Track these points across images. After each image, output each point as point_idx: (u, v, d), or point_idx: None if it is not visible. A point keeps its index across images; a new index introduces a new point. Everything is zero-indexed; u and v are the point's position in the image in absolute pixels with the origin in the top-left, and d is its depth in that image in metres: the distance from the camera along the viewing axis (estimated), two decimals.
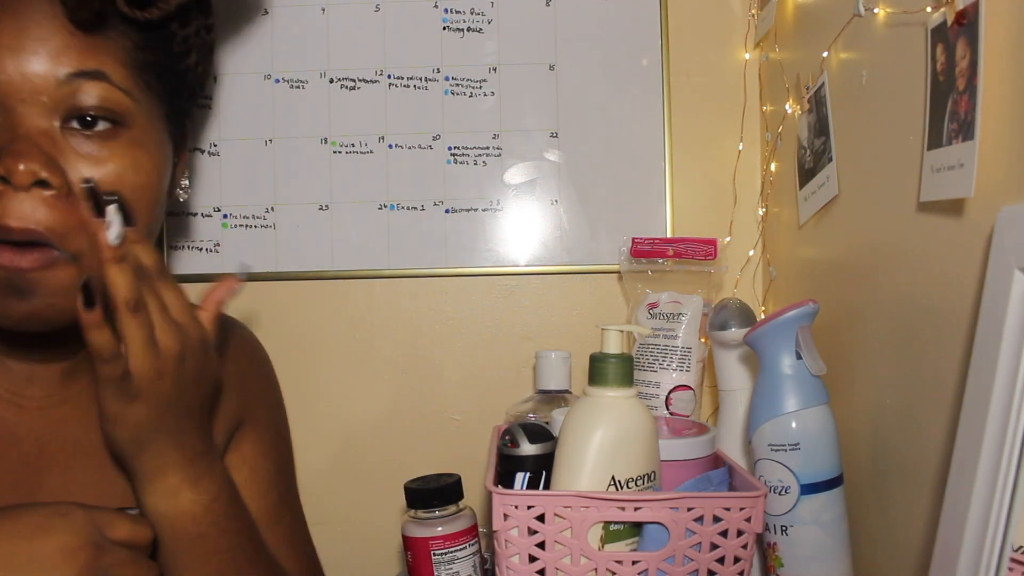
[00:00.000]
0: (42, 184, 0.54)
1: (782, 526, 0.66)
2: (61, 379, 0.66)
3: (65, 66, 0.56)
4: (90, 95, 0.57)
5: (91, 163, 0.57)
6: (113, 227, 0.52)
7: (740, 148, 1.03)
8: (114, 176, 0.58)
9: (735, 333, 0.81)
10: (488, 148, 1.04)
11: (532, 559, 0.60)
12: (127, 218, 0.54)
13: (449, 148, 1.04)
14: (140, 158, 0.60)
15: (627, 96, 1.03)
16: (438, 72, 1.04)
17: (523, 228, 1.04)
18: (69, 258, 0.56)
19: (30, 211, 0.54)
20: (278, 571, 0.70)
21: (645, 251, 0.97)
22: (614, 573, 0.60)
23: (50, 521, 0.52)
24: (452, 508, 0.74)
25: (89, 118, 0.57)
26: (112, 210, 0.52)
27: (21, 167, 0.53)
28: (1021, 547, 0.41)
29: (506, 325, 1.05)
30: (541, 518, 0.59)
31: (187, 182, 0.72)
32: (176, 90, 0.65)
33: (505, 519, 0.60)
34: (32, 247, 0.55)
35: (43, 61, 0.56)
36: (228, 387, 0.74)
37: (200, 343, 0.58)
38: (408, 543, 0.73)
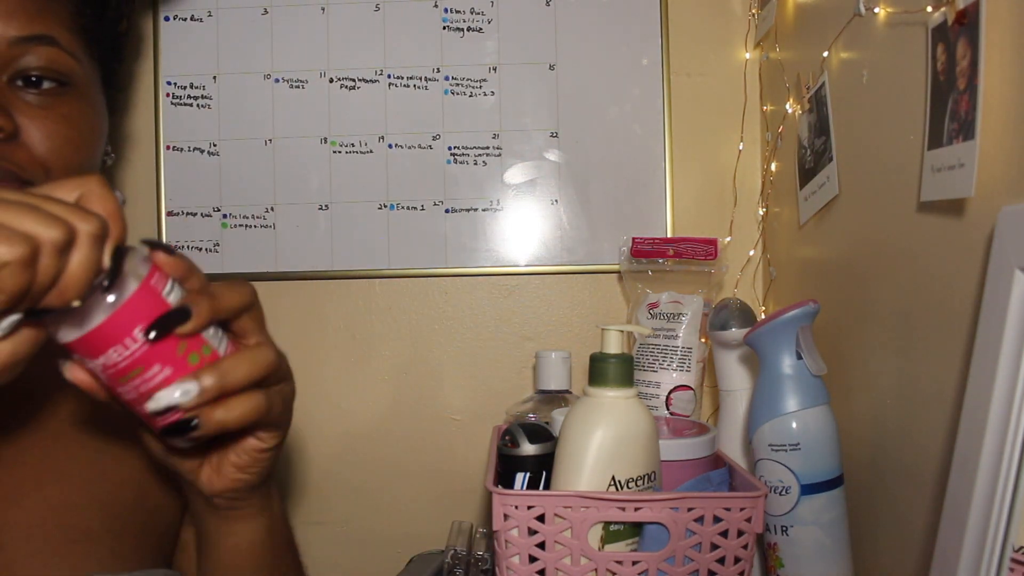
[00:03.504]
0: None
1: (782, 526, 0.66)
2: None
3: (15, 30, 0.59)
4: (38, 57, 0.60)
5: (35, 117, 0.60)
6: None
7: (740, 148, 1.03)
8: (54, 130, 0.60)
9: (735, 333, 0.80)
10: (488, 148, 1.04)
11: (532, 559, 0.60)
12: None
13: (449, 148, 1.04)
14: (80, 116, 0.63)
15: (627, 96, 1.03)
16: (438, 72, 1.04)
17: (523, 228, 1.04)
18: (24, 184, 0.58)
19: None
20: None
21: (645, 251, 0.96)
22: (614, 573, 0.60)
23: None
24: None
25: (34, 78, 0.60)
26: None
27: None
28: (1022, 547, 0.41)
29: (506, 325, 1.05)
30: (541, 518, 0.59)
31: (112, 154, 0.73)
32: (110, 55, 0.69)
33: (505, 519, 0.60)
34: None
35: None
36: None
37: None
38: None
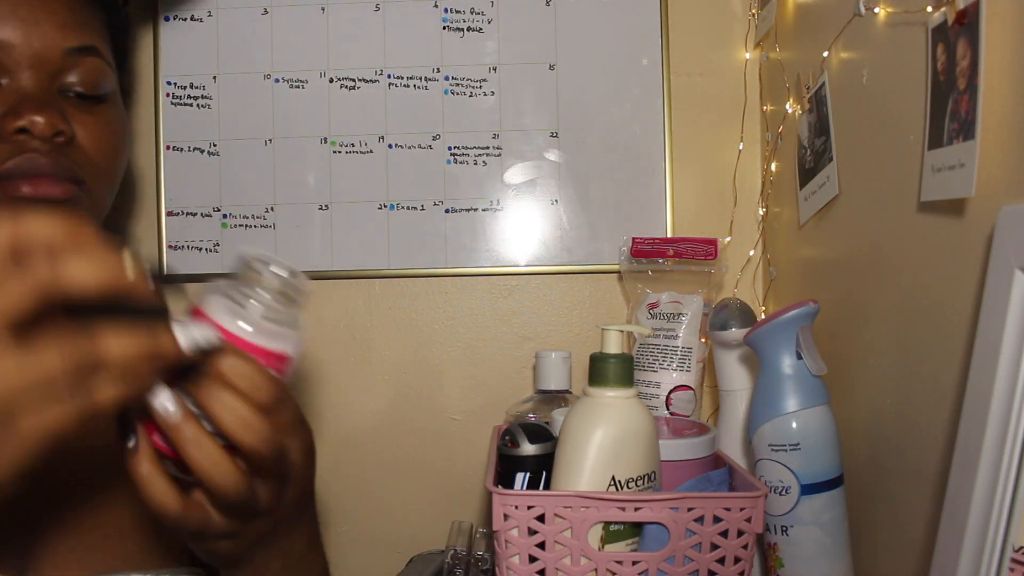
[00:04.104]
0: (59, 134, 0.60)
1: (782, 526, 0.66)
2: None
3: (70, 40, 0.62)
4: (86, 67, 0.63)
5: (84, 123, 0.63)
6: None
7: (740, 148, 1.03)
8: (100, 135, 0.63)
9: (735, 333, 0.80)
10: (488, 148, 1.04)
11: (532, 559, 0.60)
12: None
13: (449, 148, 1.04)
14: (118, 121, 0.67)
15: (627, 96, 1.03)
16: (438, 72, 1.04)
17: (523, 228, 1.04)
18: (87, 193, 0.62)
19: (52, 157, 0.60)
20: None
21: (645, 251, 0.96)
22: (614, 573, 0.60)
23: None
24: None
25: (80, 86, 0.63)
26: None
27: (41, 119, 0.59)
28: (1022, 547, 0.41)
29: (506, 325, 1.05)
30: (541, 518, 0.59)
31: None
32: (122, 64, 0.72)
33: (505, 519, 0.60)
34: (58, 180, 0.60)
35: (52, 33, 0.61)
36: None
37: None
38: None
